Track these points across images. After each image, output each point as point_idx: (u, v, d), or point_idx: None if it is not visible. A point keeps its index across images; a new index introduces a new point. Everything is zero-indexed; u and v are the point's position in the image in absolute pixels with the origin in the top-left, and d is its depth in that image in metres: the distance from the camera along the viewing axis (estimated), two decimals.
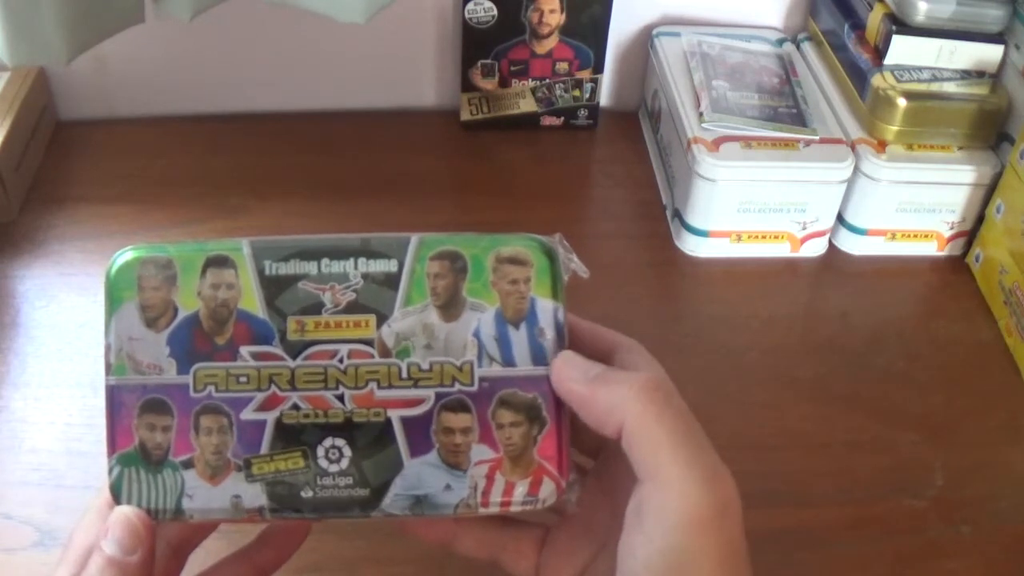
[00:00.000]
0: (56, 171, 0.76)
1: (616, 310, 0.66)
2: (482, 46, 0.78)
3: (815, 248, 0.73)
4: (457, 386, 0.34)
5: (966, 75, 0.71)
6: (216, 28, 0.76)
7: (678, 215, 0.73)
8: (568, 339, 0.35)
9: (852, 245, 0.74)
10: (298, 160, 0.78)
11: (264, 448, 0.33)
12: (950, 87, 0.70)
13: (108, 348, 0.34)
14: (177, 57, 0.80)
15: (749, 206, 0.70)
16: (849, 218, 0.72)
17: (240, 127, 0.81)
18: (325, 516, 0.34)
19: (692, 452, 0.31)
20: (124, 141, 0.79)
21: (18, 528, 0.52)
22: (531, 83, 0.80)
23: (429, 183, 0.77)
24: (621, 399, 0.31)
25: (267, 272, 0.34)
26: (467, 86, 0.80)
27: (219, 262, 0.34)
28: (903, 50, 0.70)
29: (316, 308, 0.34)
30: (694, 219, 0.71)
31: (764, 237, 0.72)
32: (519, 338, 0.34)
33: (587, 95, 0.81)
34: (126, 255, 0.34)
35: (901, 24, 0.70)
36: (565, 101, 0.82)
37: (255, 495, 0.33)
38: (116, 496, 0.33)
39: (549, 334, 0.34)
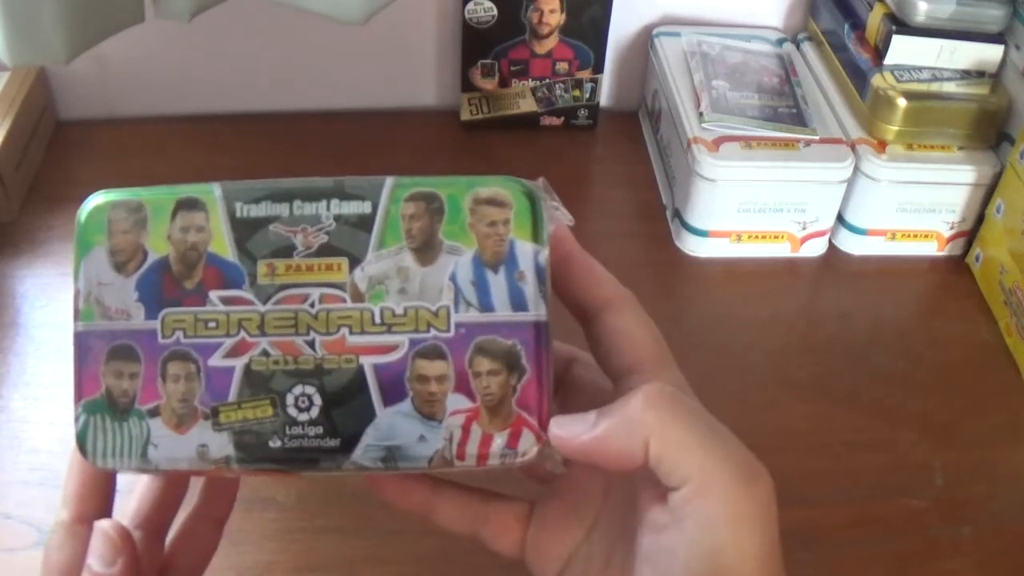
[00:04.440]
0: (56, 171, 0.76)
1: None
2: (482, 46, 0.78)
3: (815, 248, 0.73)
4: (432, 332, 0.32)
5: (966, 75, 0.71)
6: (216, 28, 0.76)
7: (678, 215, 0.73)
8: (551, 282, 0.33)
9: (852, 245, 0.74)
10: (298, 160, 0.78)
11: (232, 396, 0.32)
12: (950, 87, 0.70)
13: (77, 294, 0.33)
14: (177, 57, 0.80)
15: (749, 206, 0.70)
16: (849, 218, 0.72)
17: (240, 127, 0.81)
18: (295, 468, 0.32)
19: (725, 450, 0.30)
20: (124, 141, 0.79)
21: (18, 528, 0.52)
22: (531, 83, 0.80)
23: None
24: (634, 419, 0.30)
25: (238, 214, 0.33)
26: (467, 86, 0.80)
27: (190, 205, 0.33)
28: (903, 50, 0.70)
29: (287, 251, 0.32)
30: (694, 219, 0.71)
31: (764, 237, 0.72)
32: (498, 282, 0.32)
33: (587, 95, 0.81)
34: (97, 199, 0.33)
35: (901, 24, 0.70)
36: (565, 101, 0.82)
37: (222, 445, 0.32)
38: (82, 445, 0.32)
39: (529, 278, 0.32)
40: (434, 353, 0.32)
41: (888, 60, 0.71)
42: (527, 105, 0.81)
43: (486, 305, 0.32)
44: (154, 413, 0.32)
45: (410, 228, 0.33)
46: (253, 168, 0.77)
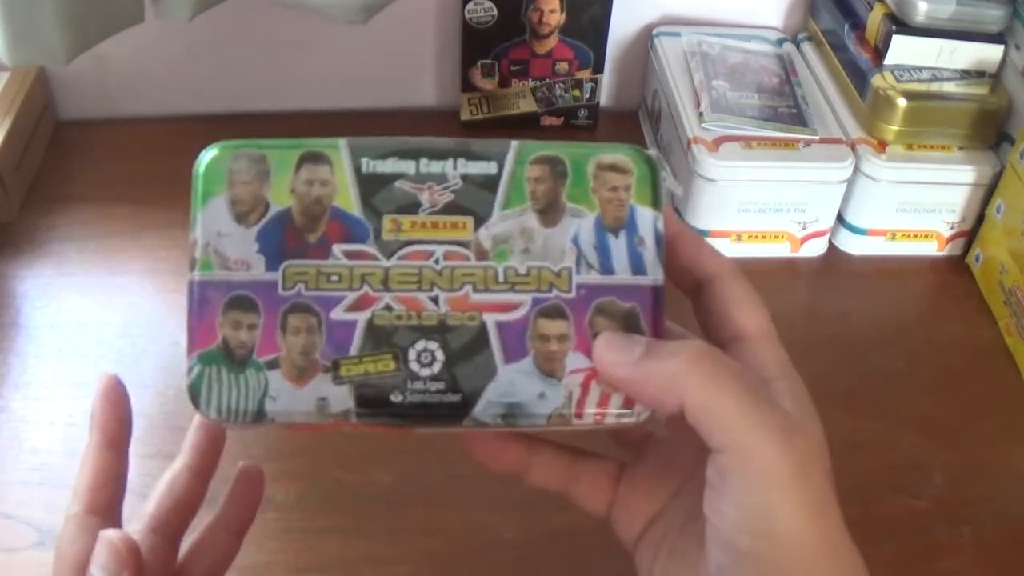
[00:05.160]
0: (56, 171, 0.76)
1: None
2: (482, 46, 0.78)
3: (815, 248, 0.73)
4: (554, 292, 0.33)
5: (966, 75, 0.71)
6: (216, 28, 0.76)
7: (678, 215, 0.73)
8: (666, 250, 0.34)
9: (852, 245, 0.74)
10: None
11: (353, 350, 0.32)
12: (950, 87, 0.70)
13: (194, 243, 0.33)
14: (177, 57, 0.80)
15: (749, 206, 0.70)
16: (849, 218, 0.72)
17: (240, 127, 0.81)
18: (415, 423, 0.32)
19: (760, 414, 0.30)
20: (124, 141, 0.79)
21: (18, 528, 0.52)
22: (531, 83, 0.80)
23: None
24: (674, 375, 0.30)
25: (364, 169, 0.33)
26: (467, 86, 0.80)
27: (314, 158, 0.34)
28: (903, 50, 0.70)
29: (413, 208, 0.33)
30: (694, 219, 0.71)
31: (764, 237, 0.72)
32: (618, 246, 0.33)
33: (587, 95, 0.81)
34: (215, 149, 0.34)
35: (901, 24, 0.70)
36: (565, 101, 0.82)
37: (342, 398, 0.32)
38: (195, 397, 0.32)
39: (648, 243, 0.33)
40: (556, 313, 0.33)
41: (888, 60, 0.71)
42: (527, 105, 0.81)
43: (607, 268, 0.33)
44: (273, 365, 0.32)
45: (534, 190, 0.33)
46: None
